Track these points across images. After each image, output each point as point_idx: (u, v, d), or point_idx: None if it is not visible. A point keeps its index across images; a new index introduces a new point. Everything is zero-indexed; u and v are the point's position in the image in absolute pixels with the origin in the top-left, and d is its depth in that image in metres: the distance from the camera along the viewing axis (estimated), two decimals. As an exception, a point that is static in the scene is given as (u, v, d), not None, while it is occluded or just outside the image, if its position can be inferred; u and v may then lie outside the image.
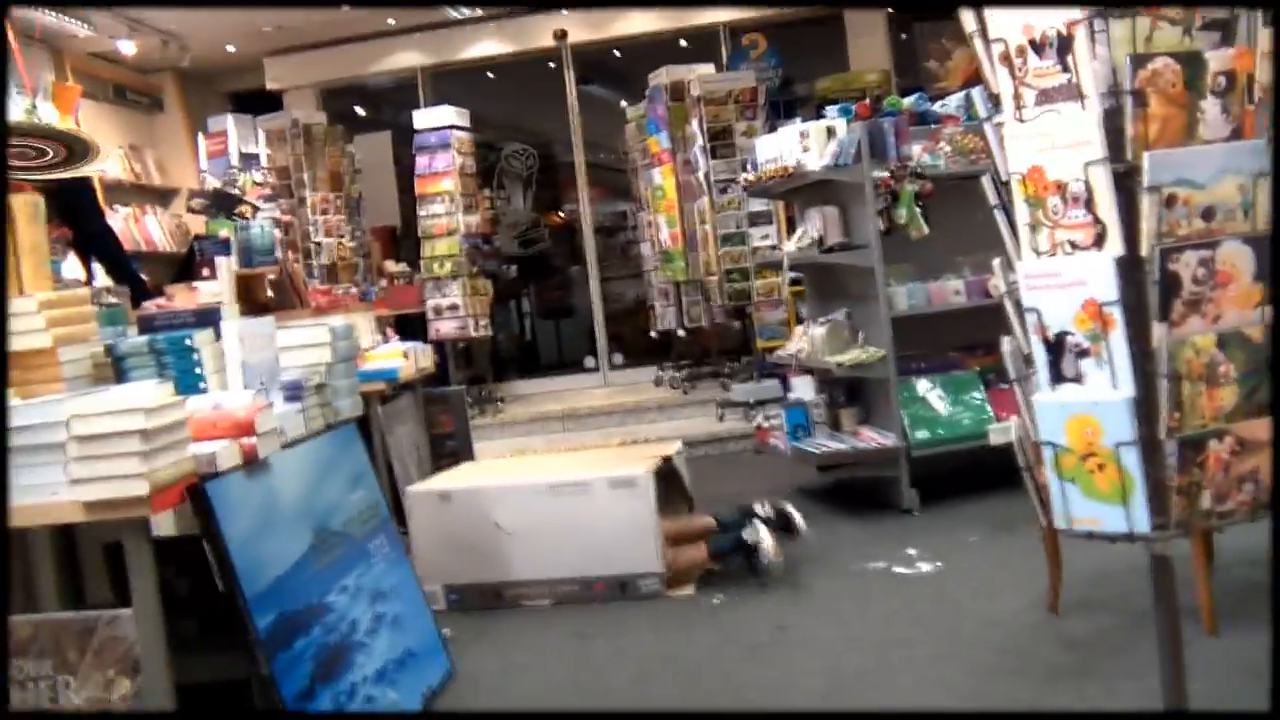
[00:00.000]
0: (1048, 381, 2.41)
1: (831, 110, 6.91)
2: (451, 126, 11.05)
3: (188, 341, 3.96)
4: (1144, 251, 2.22)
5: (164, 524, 3.41)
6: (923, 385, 6.38)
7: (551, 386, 12.17)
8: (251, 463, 3.54)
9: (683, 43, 12.04)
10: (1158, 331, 2.22)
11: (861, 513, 6.38)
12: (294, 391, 4.11)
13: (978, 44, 2.42)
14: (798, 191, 7.16)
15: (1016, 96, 2.41)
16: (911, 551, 5.45)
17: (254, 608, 3.31)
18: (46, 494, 3.11)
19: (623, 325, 12.64)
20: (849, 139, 6.36)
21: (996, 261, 2.64)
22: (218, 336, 4.08)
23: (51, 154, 4.57)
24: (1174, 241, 2.23)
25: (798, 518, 5.65)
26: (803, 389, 6.91)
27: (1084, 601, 4.41)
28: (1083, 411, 2.32)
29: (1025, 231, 2.44)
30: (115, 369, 3.93)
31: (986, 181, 2.64)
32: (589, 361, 12.38)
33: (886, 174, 6.26)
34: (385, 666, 3.90)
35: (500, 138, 13.05)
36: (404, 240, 12.41)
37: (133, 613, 3.12)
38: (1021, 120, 2.41)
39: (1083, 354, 2.31)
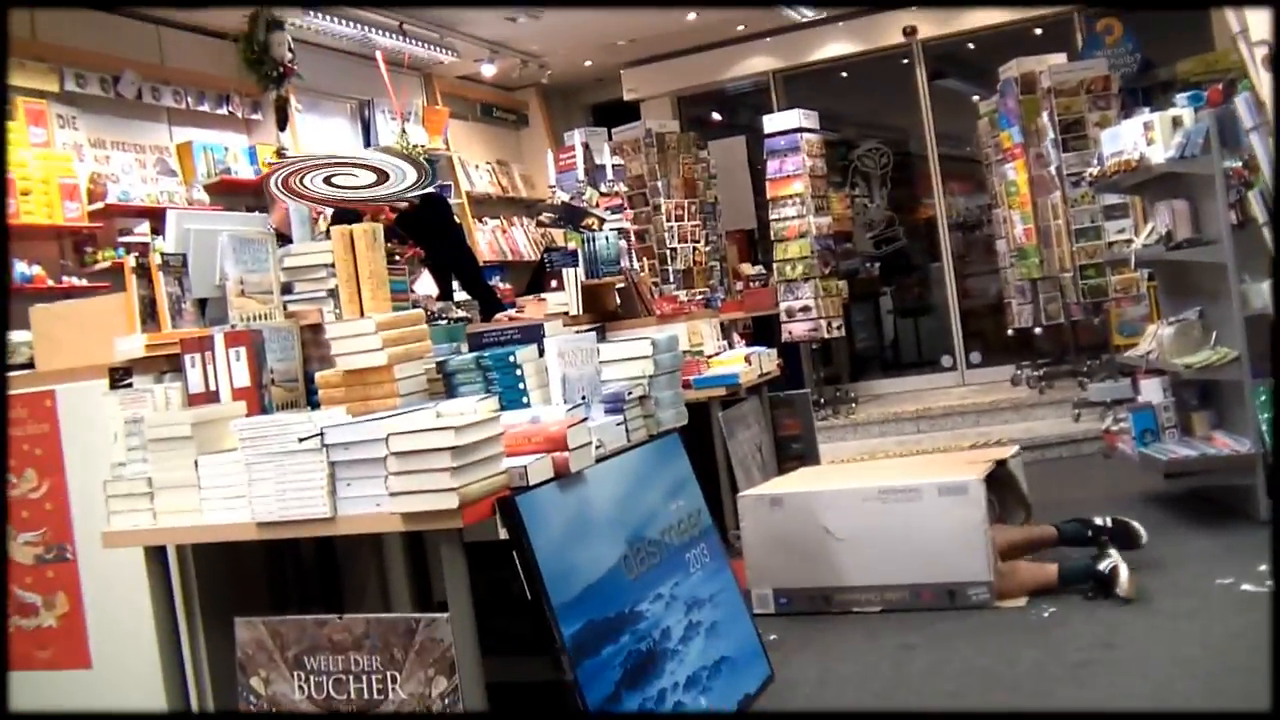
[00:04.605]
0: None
1: (1180, 98, 6.60)
2: (800, 129, 11.12)
3: (511, 358, 4.18)
4: None
5: (497, 529, 3.60)
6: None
7: (907, 386, 12.09)
8: (564, 476, 3.71)
9: (1037, 31, 11.73)
10: None
11: (1212, 523, 6.08)
12: (614, 404, 4.26)
13: (1241, 46, 2.30)
14: (1146, 185, 6.88)
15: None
16: (1263, 567, 5.12)
17: (561, 616, 3.46)
18: (371, 505, 3.37)
19: (982, 322, 12.42)
20: (1196, 128, 6.06)
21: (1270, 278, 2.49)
22: (541, 352, 4.29)
23: (395, 176, 4.83)
24: None
25: (1139, 529, 5.47)
26: (1152, 391, 6.62)
27: None
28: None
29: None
30: (446, 384, 4.20)
31: (1255, 198, 2.50)
32: (945, 360, 12.22)
33: (1239, 164, 5.93)
34: (698, 674, 4.00)
35: (854, 136, 13.04)
36: (760, 243, 12.57)
37: (448, 617, 3.33)
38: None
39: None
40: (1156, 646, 4.48)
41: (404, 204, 5.95)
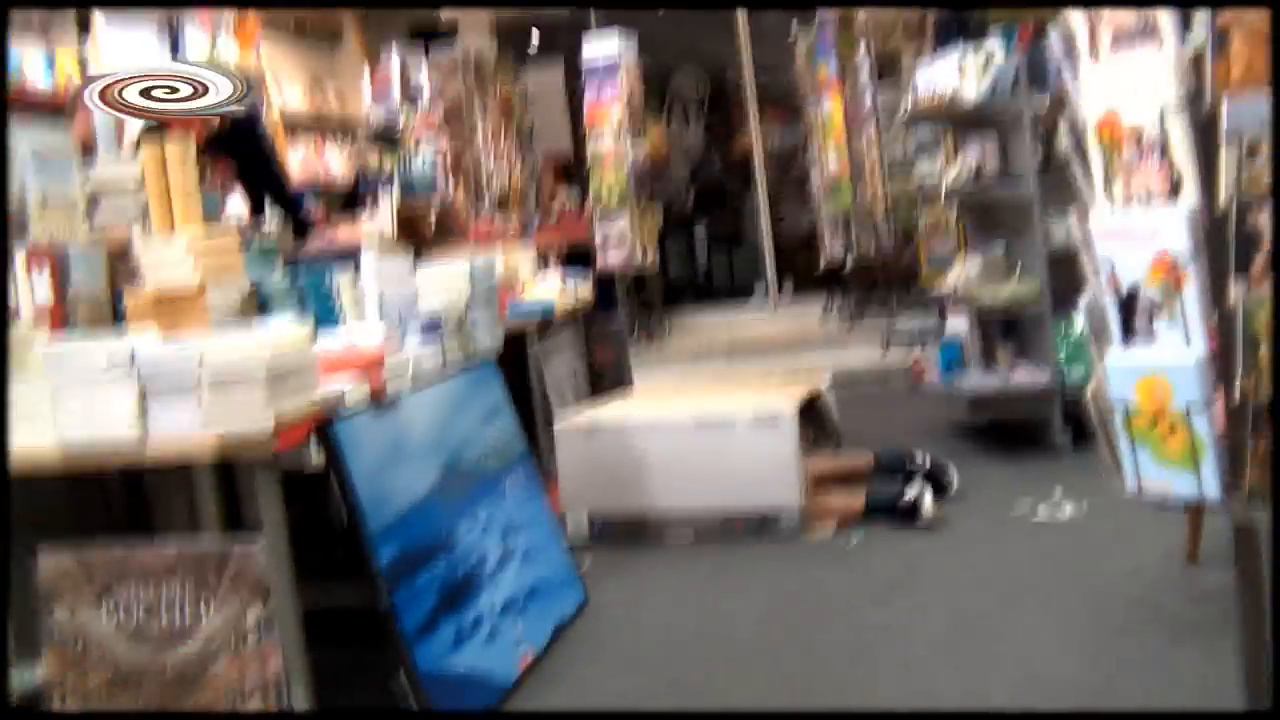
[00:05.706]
0: (1120, 339, 2.36)
1: (993, 37, 6.73)
2: (620, 55, 11.03)
3: (327, 281, 4.11)
4: (1222, 204, 2.15)
5: (311, 455, 3.55)
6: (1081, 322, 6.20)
7: (720, 316, 12.19)
8: (380, 400, 3.67)
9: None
10: (1235, 290, 2.15)
11: (1012, 452, 6.30)
12: (431, 329, 4.23)
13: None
14: (958, 122, 7.03)
15: (1092, 36, 2.35)
16: (1057, 494, 5.34)
17: (377, 541, 3.44)
18: (182, 431, 3.28)
19: (795, 255, 12.56)
20: (1006, 68, 6.22)
21: (1073, 211, 2.58)
22: (358, 275, 4.22)
23: (214, 90, 4.68)
24: (1257, 194, 2.15)
25: (953, 474, 5.61)
26: (957, 325, 6.81)
27: (1225, 553, 4.29)
28: (1153, 372, 2.28)
29: (1100, 180, 2.39)
30: (260, 307, 4.10)
31: (1064, 126, 2.58)
32: (758, 291, 12.36)
33: (1048, 102, 6.10)
34: (514, 599, 4.02)
35: (672, 65, 13.02)
36: (576, 170, 12.51)
37: (261, 542, 3.28)
38: (1097, 62, 2.35)
39: (1155, 311, 2.25)
40: (957, 569, 4.64)
41: (214, 121, 5.77)
